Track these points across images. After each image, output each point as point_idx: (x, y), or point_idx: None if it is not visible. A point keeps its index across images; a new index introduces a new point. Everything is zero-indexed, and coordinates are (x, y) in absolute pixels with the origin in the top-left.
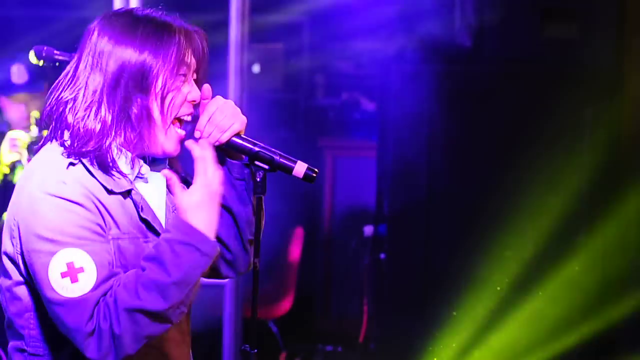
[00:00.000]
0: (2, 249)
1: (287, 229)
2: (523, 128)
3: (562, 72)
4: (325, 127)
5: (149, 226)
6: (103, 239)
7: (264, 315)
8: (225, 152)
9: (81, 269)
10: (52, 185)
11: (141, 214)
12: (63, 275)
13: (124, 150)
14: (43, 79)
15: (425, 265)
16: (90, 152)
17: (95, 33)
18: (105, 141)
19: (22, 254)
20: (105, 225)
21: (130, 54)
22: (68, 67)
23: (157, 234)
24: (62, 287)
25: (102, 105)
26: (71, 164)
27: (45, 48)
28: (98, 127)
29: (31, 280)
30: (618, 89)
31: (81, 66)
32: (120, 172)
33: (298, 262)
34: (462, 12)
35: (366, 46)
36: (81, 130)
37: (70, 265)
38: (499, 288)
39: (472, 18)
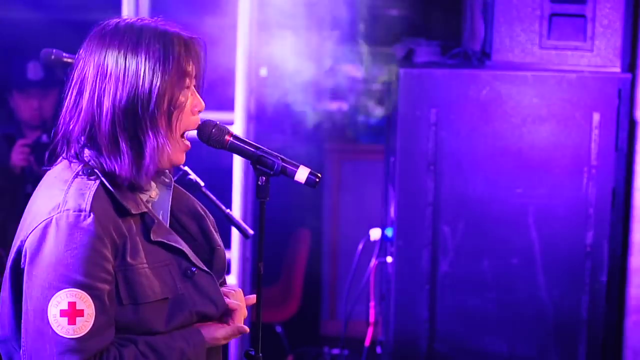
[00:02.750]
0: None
1: (293, 232)
2: (531, 132)
3: (569, 78)
4: (332, 131)
5: (169, 248)
6: (109, 279)
7: (270, 318)
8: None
9: (81, 313)
10: (75, 215)
11: (152, 237)
12: (62, 313)
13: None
14: (56, 78)
15: (431, 269)
16: (109, 174)
17: (96, 51)
18: (120, 167)
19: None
20: (116, 257)
21: (136, 77)
22: (73, 80)
23: (178, 252)
24: (58, 325)
25: (116, 132)
26: (94, 186)
27: (54, 51)
28: (114, 153)
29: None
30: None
31: (87, 85)
32: (136, 192)
33: (304, 266)
34: (470, 15)
35: (374, 50)
36: (99, 154)
37: (71, 305)
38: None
39: (480, 21)
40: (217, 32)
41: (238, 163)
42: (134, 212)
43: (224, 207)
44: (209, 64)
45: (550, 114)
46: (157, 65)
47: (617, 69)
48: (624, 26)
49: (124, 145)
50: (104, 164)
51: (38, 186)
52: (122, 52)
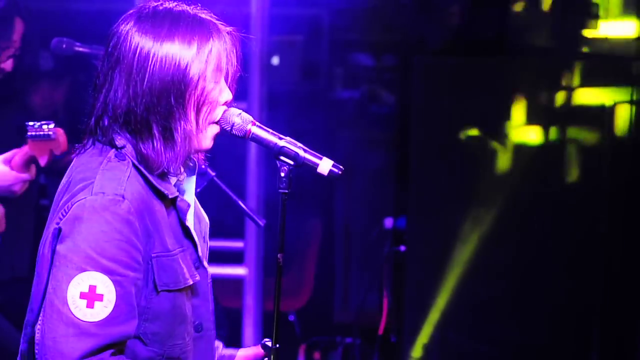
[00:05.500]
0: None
1: (306, 221)
2: (544, 119)
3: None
4: (344, 120)
5: (188, 234)
6: (137, 267)
7: (282, 307)
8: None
9: (100, 297)
10: (110, 199)
11: (185, 222)
12: (82, 295)
13: None
14: (68, 68)
15: (444, 258)
16: (143, 158)
17: (135, 34)
18: (154, 151)
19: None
20: (150, 244)
21: (171, 63)
22: (106, 64)
23: (192, 241)
24: (76, 307)
25: (149, 116)
26: (128, 170)
27: (65, 40)
28: (145, 137)
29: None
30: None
31: (122, 69)
32: (166, 177)
33: (317, 255)
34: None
35: (386, 38)
36: (133, 138)
37: (92, 289)
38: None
39: (493, 9)
40: (229, 20)
41: (252, 152)
42: (170, 196)
43: (235, 197)
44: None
45: (565, 99)
46: (194, 54)
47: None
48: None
49: (156, 131)
50: (139, 148)
51: (69, 170)
52: (160, 38)
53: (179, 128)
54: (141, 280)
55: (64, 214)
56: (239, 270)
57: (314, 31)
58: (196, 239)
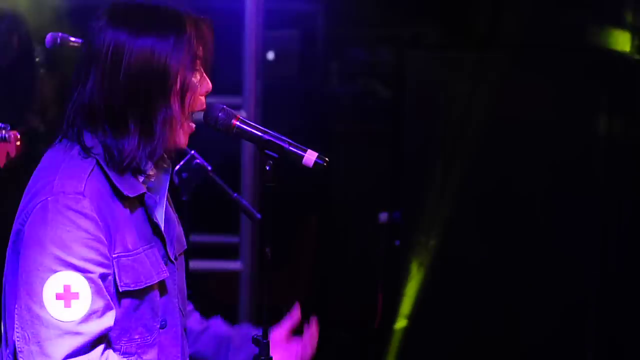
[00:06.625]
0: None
1: (302, 216)
2: (541, 114)
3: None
4: (340, 115)
5: (156, 230)
6: (106, 262)
7: (278, 301)
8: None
9: (76, 295)
10: (70, 197)
11: (152, 218)
12: (58, 296)
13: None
14: (60, 62)
15: (439, 252)
16: (110, 155)
17: (108, 29)
18: (128, 147)
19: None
20: (111, 243)
21: (150, 55)
22: (84, 60)
23: (161, 238)
24: (54, 309)
25: (126, 110)
26: (90, 169)
27: (60, 34)
28: (120, 132)
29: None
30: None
31: (98, 65)
32: (136, 174)
33: (313, 249)
34: None
35: (382, 32)
36: (104, 135)
37: (66, 288)
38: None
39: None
40: (224, 15)
41: (246, 146)
42: (130, 195)
43: (231, 192)
44: (217, 47)
45: (561, 94)
46: (170, 45)
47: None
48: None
49: (132, 124)
50: (111, 145)
51: (37, 167)
52: (135, 31)
53: (159, 119)
54: (112, 273)
55: (27, 216)
56: (234, 265)
57: (309, 26)
58: (164, 235)
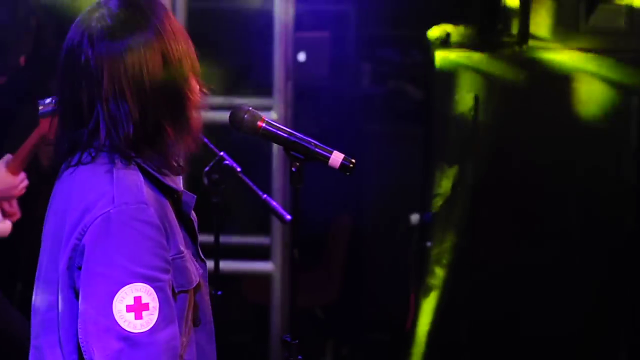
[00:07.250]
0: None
1: (334, 216)
2: (571, 115)
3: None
4: (371, 116)
5: (189, 228)
6: (169, 268)
7: (311, 303)
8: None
9: (146, 306)
10: (134, 207)
11: (189, 216)
12: (128, 308)
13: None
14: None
15: (470, 253)
16: (149, 160)
17: (100, 48)
18: (169, 148)
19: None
20: (170, 246)
21: (170, 58)
22: (82, 62)
23: (193, 236)
24: (125, 321)
25: (159, 117)
26: (140, 176)
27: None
28: (160, 131)
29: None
30: None
31: (115, 90)
32: (167, 176)
33: (345, 250)
34: None
35: (413, 33)
36: (140, 138)
37: (137, 300)
38: None
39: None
40: (255, 16)
41: (276, 148)
42: (179, 190)
43: (260, 193)
44: (246, 48)
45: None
46: (167, 37)
47: None
48: None
49: (168, 127)
50: (143, 150)
51: (70, 180)
52: (135, 40)
53: (191, 115)
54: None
55: (85, 229)
56: (265, 266)
57: (340, 27)
58: (197, 233)
